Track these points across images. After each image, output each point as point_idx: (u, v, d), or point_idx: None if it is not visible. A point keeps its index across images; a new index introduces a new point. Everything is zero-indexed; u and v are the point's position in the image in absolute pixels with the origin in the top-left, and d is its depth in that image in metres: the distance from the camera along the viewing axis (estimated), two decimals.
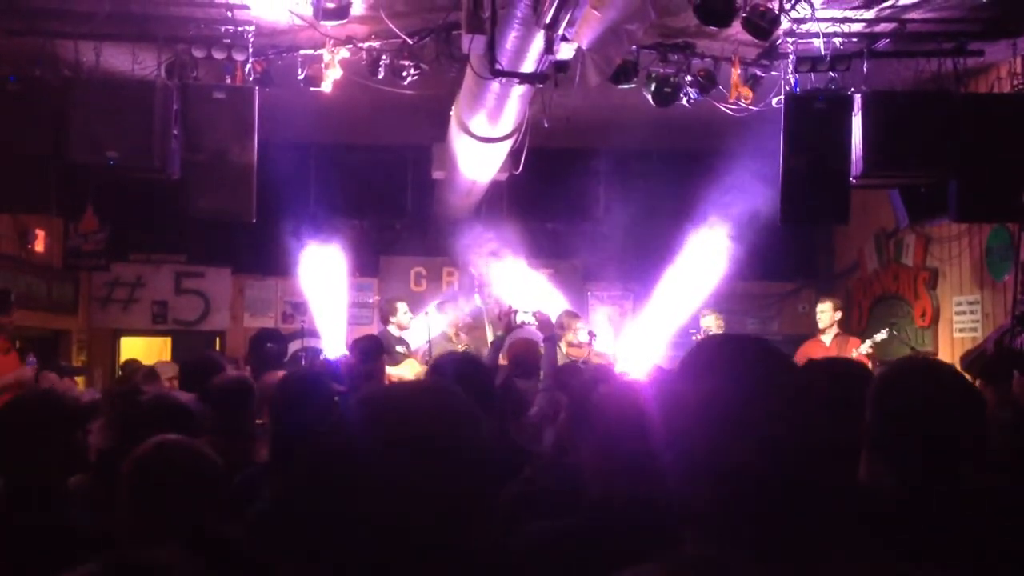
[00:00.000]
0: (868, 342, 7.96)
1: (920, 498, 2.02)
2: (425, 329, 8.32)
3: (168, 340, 10.99)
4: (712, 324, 8.59)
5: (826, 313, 8.27)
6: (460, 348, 7.80)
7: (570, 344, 8.17)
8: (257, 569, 2.26)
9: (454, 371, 3.36)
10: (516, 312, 6.87)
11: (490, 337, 8.49)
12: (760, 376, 1.40)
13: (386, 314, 8.41)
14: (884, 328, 8.47)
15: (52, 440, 2.78)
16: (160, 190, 7.42)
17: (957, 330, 8.60)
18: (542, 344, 6.00)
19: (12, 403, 3.06)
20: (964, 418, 2.11)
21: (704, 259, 9.05)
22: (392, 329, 8.19)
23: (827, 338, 8.19)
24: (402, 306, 8.28)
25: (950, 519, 1.97)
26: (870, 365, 7.13)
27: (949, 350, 8.57)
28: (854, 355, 7.67)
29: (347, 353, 6.82)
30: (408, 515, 1.17)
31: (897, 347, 8.78)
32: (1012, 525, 2.03)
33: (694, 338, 7.74)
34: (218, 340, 10.70)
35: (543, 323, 6.54)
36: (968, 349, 7.82)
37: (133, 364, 7.35)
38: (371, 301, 10.51)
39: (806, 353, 8.00)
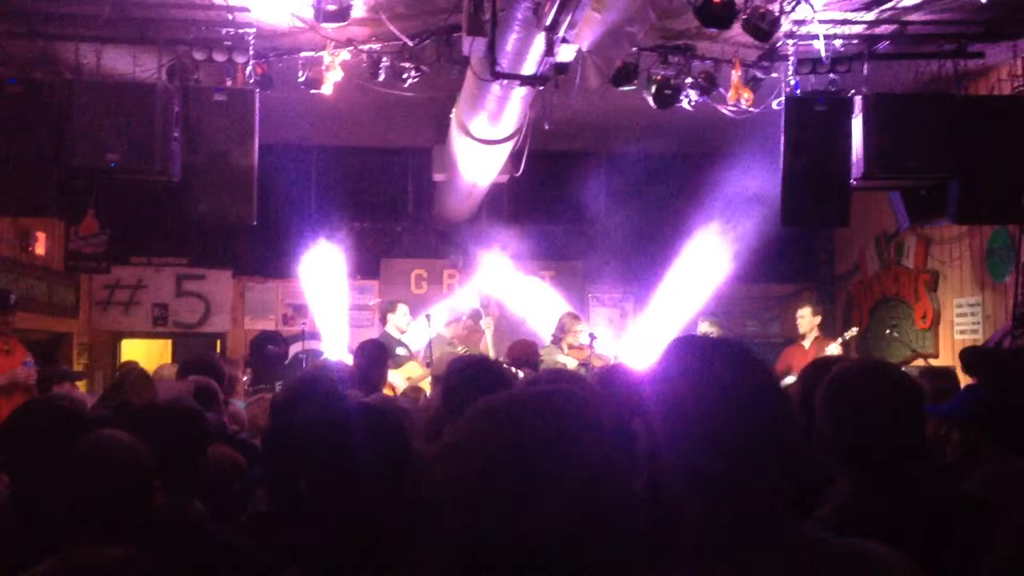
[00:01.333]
0: (838, 340, 8.03)
1: (874, 502, 2.04)
2: (425, 331, 8.33)
3: (167, 343, 11.00)
4: (708, 332, 8.56)
5: (805, 319, 8.37)
6: (460, 350, 7.79)
7: (571, 346, 8.16)
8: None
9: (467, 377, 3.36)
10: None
11: (488, 337, 8.50)
12: (720, 377, 1.40)
13: (385, 315, 8.41)
14: (886, 329, 8.45)
15: (61, 446, 2.77)
16: (161, 193, 7.41)
17: (958, 332, 8.59)
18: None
19: (25, 408, 3.05)
20: (909, 421, 2.13)
21: (705, 261, 9.05)
22: (392, 331, 8.19)
23: (807, 342, 8.27)
24: (402, 307, 8.26)
25: (904, 522, 1.98)
26: None
27: (950, 352, 8.56)
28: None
29: (348, 357, 6.81)
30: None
31: (898, 348, 8.78)
32: (962, 526, 2.05)
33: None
34: (219, 342, 10.69)
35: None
36: None
37: (127, 367, 7.27)
38: (372, 303, 10.51)
39: (787, 358, 8.14)
